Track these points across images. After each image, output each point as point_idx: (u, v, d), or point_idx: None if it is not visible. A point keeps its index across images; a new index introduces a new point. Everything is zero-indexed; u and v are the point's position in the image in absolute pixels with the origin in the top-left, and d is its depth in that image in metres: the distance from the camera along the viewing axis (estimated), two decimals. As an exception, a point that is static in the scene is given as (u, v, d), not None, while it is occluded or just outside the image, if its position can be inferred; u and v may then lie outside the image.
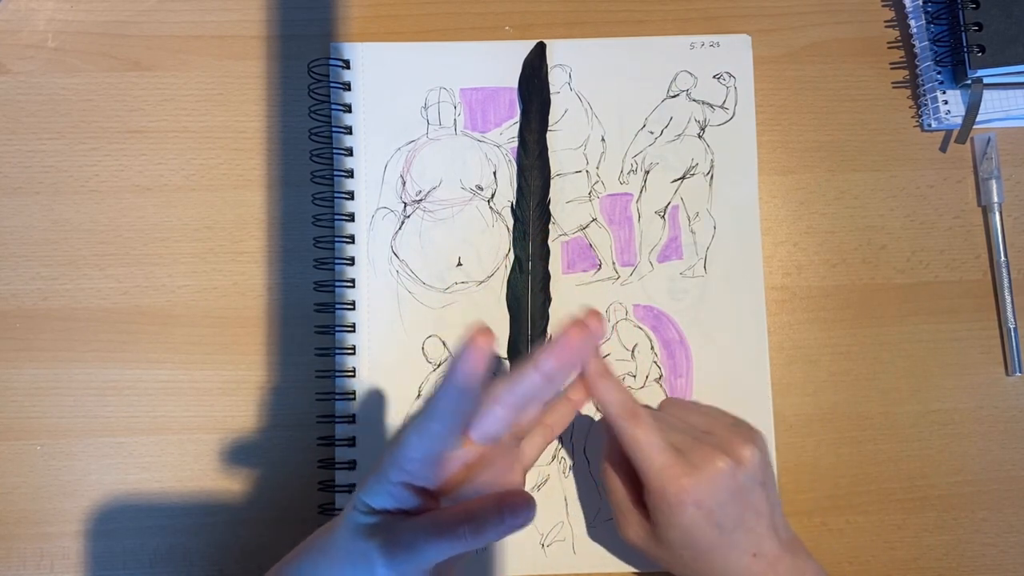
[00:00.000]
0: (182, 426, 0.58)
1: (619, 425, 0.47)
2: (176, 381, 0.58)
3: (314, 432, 0.57)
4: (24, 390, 0.58)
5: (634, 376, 0.58)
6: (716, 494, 0.46)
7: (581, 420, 0.57)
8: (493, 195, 0.59)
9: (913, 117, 0.62)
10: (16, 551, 0.57)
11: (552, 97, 0.60)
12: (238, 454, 0.58)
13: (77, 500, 0.58)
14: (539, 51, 0.60)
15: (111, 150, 0.60)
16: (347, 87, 0.60)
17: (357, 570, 0.43)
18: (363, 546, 0.42)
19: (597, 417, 0.57)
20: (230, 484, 0.58)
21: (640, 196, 0.60)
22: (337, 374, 0.57)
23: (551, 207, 0.59)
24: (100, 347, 0.59)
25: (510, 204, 0.59)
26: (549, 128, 0.60)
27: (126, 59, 0.61)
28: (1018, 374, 0.59)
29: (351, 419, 0.57)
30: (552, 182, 0.59)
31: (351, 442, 0.57)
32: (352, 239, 0.58)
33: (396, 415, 0.57)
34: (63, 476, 0.58)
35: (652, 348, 0.59)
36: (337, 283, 0.58)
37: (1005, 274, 0.60)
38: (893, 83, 0.62)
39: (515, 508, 0.41)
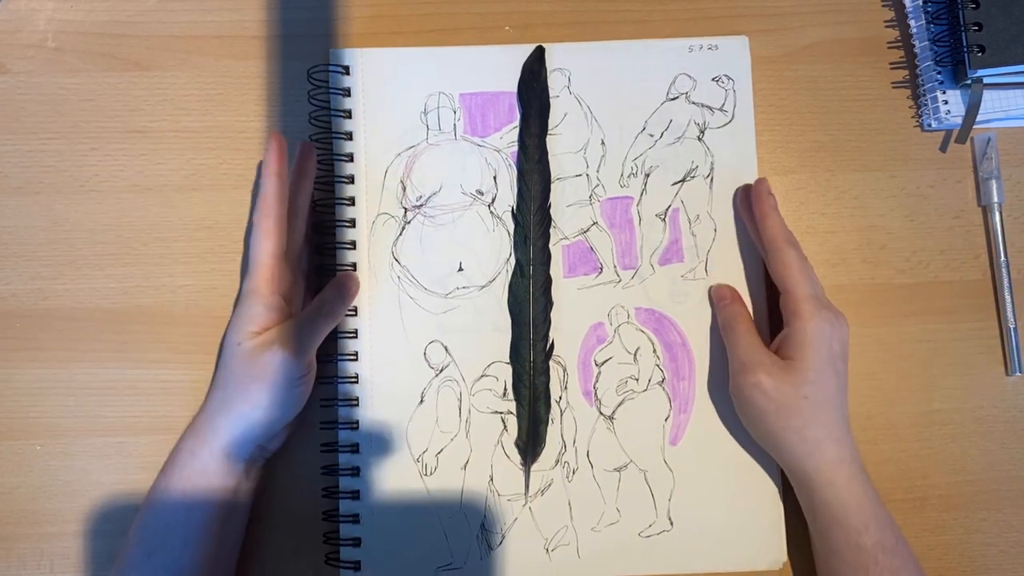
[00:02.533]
0: (182, 426, 0.56)
1: (785, 251, 0.53)
2: (176, 381, 0.57)
3: (317, 438, 0.56)
4: (24, 390, 0.57)
5: (636, 379, 0.57)
6: (835, 335, 0.52)
7: (585, 426, 0.57)
8: (493, 200, 0.58)
9: (913, 117, 0.61)
10: (16, 551, 0.56)
11: (552, 101, 0.59)
12: (238, 454, 0.57)
13: (77, 500, 0.57)
14: (538, 55, 0.59)
15: (111, 150, 0.59)
16: (347, 93, 0.58)
17: (266, 383, 0.51)
18: (265, 359, 0.51)
19: (597, 420, 0.57)
20: (230, 484, 0.57)
21: (640, 199, 0.59)
22: (340, 380, 0.56)
23: (552, 211, 0.58)
24: (100, 347, 0.58)
25: (511, 208, 0.58)
26: (549, 132, 0.58)
27: (126, 59, 0.60)
28: (1018, 374, 0.58)
29: (354, 425, 0.56)
30: (552, 186, 0.58)
31: (354, 448, 0.56)
32: (353, 245, 0.57)
33: (399, 420, 0.56)
34: (63, 476, 0.57)
35: (654, 351, 0.57)
36: (338, 287, 0.57)
37: (1005, 274, 0.59)
38: (893, 83, 0.61)
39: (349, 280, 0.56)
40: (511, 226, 0.58)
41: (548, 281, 0.57)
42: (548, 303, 0.57)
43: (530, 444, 0.56)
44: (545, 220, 0.58)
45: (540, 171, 0.58)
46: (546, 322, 0.57)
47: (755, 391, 0.52)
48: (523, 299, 0.57)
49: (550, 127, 0.59)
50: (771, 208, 0.55)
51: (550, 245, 0.58)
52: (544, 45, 0.59)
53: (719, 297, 0.57)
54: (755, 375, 0.52)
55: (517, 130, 0.58)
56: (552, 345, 0.57)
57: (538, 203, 0.58)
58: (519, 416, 0.56)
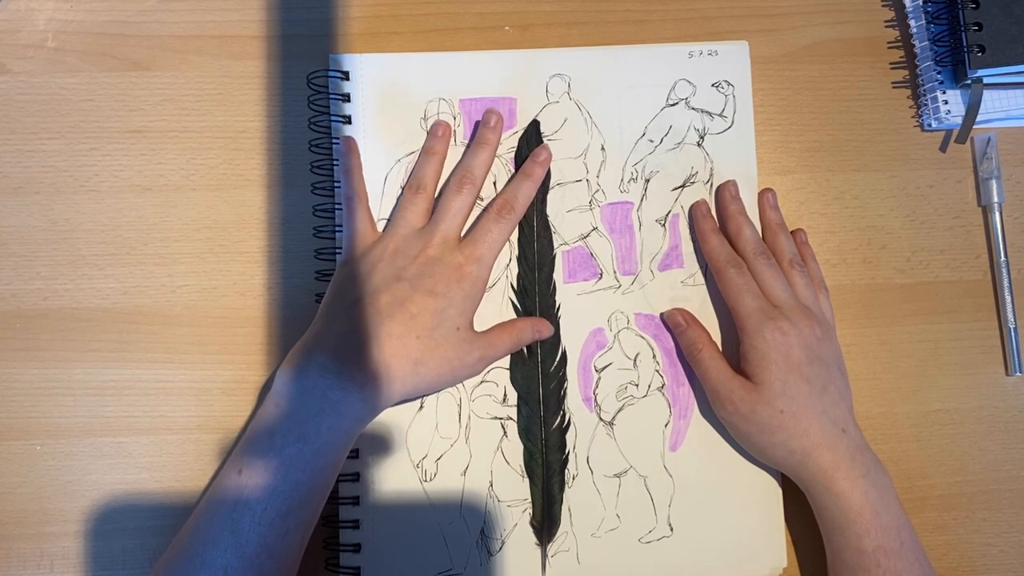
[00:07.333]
0: (182, 426, 0.55)
1: (725, 272, 0.52)
2: (176, 381, 0.55)
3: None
4: (24, 390, 0.55)
5: (636, 385, 0.55)
6: (793, 342, 0.50)
7: (584, 432, 0.54)
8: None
9: (913, 117, 0.59)
10: (16, 551, 0.54)
11: (551, 106, 0.56)
12: (238, 454, 0.55)
13: (77, 500, 0.54)
14: (534, 129, 0.56)
15: (111, 150, 0.57)
16: (346, 98, 0.56)
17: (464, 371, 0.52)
18: (476, 354, 0.52)
19: (597, 426, 0.55)
20: (230, 484, 0.55)
21: (640, 204, 0.56)
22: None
23: (551, 217, 0.55)
24: (100, 347, 0.55)
25: (512, 295, 0.55)
26: (548, 138, 0.56)
27: (126, 59, 0.57)
28: (1018, 374, 0.56)
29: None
30: (552, 191, 0.56)
31: (354, 454, 0.53)
32: (353, 251, 0.55)
33: (399, 426, 0.54)
34: (63, 476, 0.54)
35: (654, 357, 0.55)
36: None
37: (1005, 274, 0.57)
38: (893, 83, 0.59)
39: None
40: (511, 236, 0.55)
41: (563, 359, 0.55)
42: (561, 379, 0.55)
43: (545, 523, 0.54)
44: (552, 291, 0.55)
45: (544, 242, 0.55)
46: (559, 398, 0.54)
47: (733, 418, 0.51)
48: (531, 379, 0.54)
49: (550, 133, 0.56)
50: (709, 231, 0.55)
51: (555, 248, 0.55)
52: (544, 50, 0.57)
53: (674, 324, 0.55)
54: (730, 403, 0.51)
55: (517, 136, 0.56)
56: (568, 421, 0.54)
57: (545, 273, 0.55)
58: (533, 495, 0.54)
